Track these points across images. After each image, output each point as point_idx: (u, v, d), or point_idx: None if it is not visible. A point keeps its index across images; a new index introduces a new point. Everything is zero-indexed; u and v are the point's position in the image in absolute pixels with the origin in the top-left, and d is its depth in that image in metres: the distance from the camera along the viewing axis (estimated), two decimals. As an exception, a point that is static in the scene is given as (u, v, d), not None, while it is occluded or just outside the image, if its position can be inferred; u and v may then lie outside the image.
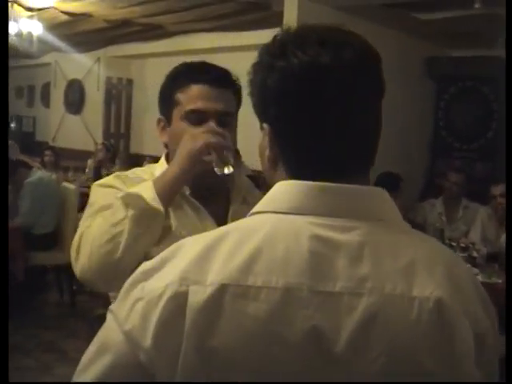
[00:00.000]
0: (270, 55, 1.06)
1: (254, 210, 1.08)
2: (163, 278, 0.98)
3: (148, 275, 1.00)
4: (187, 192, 1.85)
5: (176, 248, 1.03)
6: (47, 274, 6.77)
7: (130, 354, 0.98)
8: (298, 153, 1.06)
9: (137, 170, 1.98)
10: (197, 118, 1.78)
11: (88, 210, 1.85)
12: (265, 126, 1.09)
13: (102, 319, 4.06)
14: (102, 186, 1.88)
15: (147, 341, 0.96)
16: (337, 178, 1.03)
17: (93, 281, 1.78)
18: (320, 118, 1.02)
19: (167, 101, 1.85)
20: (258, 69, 1.09)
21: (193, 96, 1.78)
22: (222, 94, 1.81)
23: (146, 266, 1.03)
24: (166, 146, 1.91)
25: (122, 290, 1.04)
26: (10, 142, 9.75)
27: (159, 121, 1.90)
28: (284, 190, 1.05)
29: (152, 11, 7.11)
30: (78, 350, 4.49)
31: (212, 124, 1.76)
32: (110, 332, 1.03)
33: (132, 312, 0.99)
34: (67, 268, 6.20)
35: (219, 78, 1.82)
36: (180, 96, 1.80)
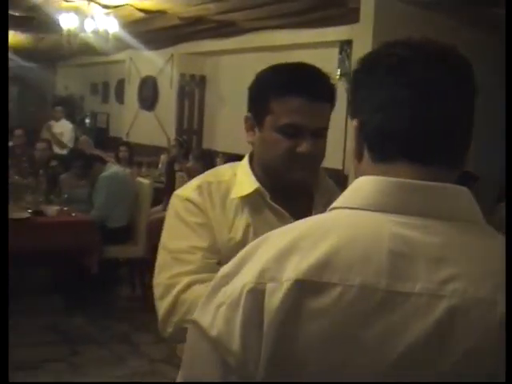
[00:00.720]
0: (386, 67, 1.05)
1: (333, 205, 1.06)
2: (242, 278, 0.98)
3: (228, 278, 1.01)
4: (267, 197, 1.81)
5: (253, 248, 1.03)
6: (120, 268, 6.86)
7: (219, 361, 0.98)
8: (387, 147, 1.05)
9: (218, 172, 1.94)
10: (292, 131, 1.71)
11: (170, 229, 1.87)
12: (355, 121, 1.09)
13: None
14: (183, 199, 1.86)
15: (235, 344, 0.95)
16: (421, 175, 1.01)
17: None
18: (419, 119, 1.02)
19: (260, 105, 1.78)
20: (366, 76, 1.09)
21: (290, 109, 1.70)
22: (320, 108, 1.74)
23: (224, 270, 1.03)
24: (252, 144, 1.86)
25: (203, 300, 1.03)
26: (84, 137, 10.00)
27: (247, 119, 1.84)
28: (364, 185, 1.03)
29: (225, 8, 7.13)
30: (148, 344, 4.61)
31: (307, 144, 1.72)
32: (196, 345, 1.03)
33: (216, 318, 0.98)
34: (139, 262, 6.30)
35: (318, 92, 1.73)
36: (275, 105, 1.72)
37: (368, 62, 1.09)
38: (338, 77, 7.76)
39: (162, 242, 1.85)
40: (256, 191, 1.81)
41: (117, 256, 6.38)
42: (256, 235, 1.66)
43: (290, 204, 1.82)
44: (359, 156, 1.09)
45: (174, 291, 1.73)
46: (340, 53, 7.65)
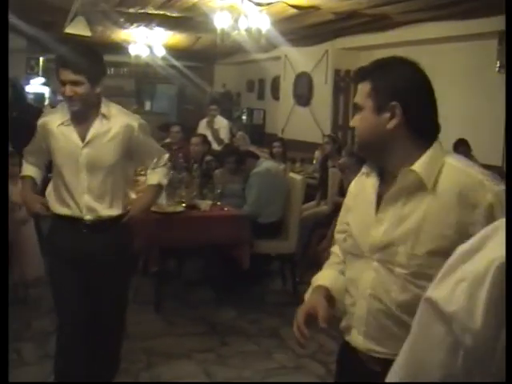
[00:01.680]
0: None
1: None
2: (487, 254, 0.98)
3: (467, 256, 1.01)
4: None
5: (495, 227, 1.03)
6: (271, 263, 6.92)
7: (452, 344, 0.98)
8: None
9: None
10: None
11: None
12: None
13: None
14: None
15: (476, 320, 0.95)
16: None
17: None
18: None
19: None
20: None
21: None
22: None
23: (463, 248, 1.04)
24: None
25: (438, 277, 1.04)
26: (241, 133, 10.17)
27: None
28: None
29: (379, 1, 6.99)
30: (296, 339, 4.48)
31: None
32: (428, 325, 1.04)
33: (455, 294, 0.99)
34: (290, 257, 6.32)
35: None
36: None
37: None
38: (496, 69, 7.40)
39: None
40: None
41: (268, 251, 6.42)
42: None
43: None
44: None
45: None
46: (499, 43, 7.27)
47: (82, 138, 3.38)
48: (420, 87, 1.91)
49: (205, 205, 6.01)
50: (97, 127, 3.38)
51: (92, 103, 3.36)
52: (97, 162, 3.40)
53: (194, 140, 7.98)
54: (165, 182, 3.79)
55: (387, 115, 1.89)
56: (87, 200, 3.41)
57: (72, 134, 3.39)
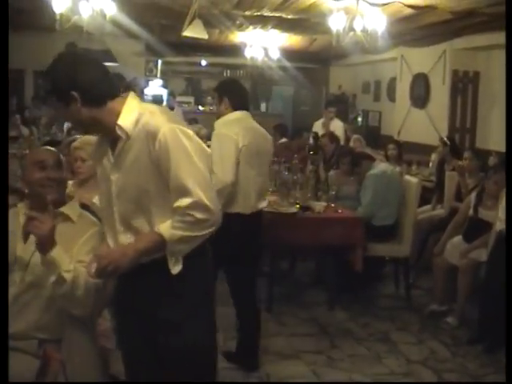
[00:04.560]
0: None
1: None
2: None
3: None
4: None
5: None
6: (385, 266, 6.84)
7: None
8: None
9: None
10: None
11: None
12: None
13: (434, 316, 4.01)
14: None
15: None
16: None
17: None
18: None
19: None
20: None
21: None
22: None
23: None
24: None
25: None
26: (357, 136, 10.11)
27: None
28: None
29: (497, 0, 6.76)
30: (407, 344, 4.52)
31: None
32: None
33: None
34: (405, 261, 6.23)
35: None
36: None
37: None
38: None
39: None
40: None
41: (382, 254, 6.36)
42: None
43: None
44: None
45: None
46: None
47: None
48: None
49: (319, 206, 6.02)
50: (119, 148, 2.53)
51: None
52: (126, 189, 2.54)
53: (323, 140, 8.16)
54: (173, 236, 2.46)
55: None
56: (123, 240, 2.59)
57: (104, 150, 2.61)
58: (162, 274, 2.51)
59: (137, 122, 2.46)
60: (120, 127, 2.45)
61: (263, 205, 4.59)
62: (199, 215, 2.44)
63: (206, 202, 2.44)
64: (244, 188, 4.28)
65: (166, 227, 2.45)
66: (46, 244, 2.66)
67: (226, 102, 4.37)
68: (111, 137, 2.51)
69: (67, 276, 2.69)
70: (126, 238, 2.56)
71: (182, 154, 2.44)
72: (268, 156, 4.64)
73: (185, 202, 2.43)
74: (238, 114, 4.36)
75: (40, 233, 2.63)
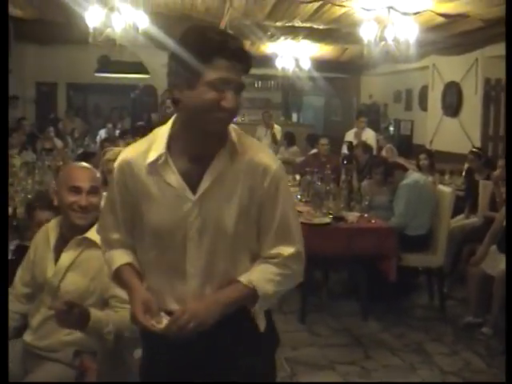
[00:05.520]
0: None
1: None
2: None
3: None
4: None
5: None
6: (418, 276, 6.80)
7: None
8: None
9: None
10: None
11: None
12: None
13: (470, 328, 3.98)
14: None
15: None
16: None
17: None
18: None
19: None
20: None
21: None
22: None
23: None
24: None
25: None
26: (389, 145, 10.08)
27: None
28: None
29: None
30: (441, 355, 4.47)
31: None
32: None
33: None
34: (439, 271, 6.19)
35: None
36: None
37: None
38: None
39: None
40: None
41: (415, 264, 6.33)
42: None
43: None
44: None
45: None
46: None
47: (192, 186, 2.05)
48: None
49: (352, 217, 6.01)
50: (219, 167, 2.05)
51: None
52: (212, 224, 2.07)
53: (356, 151, 8.27)
54: (268, 290, 2.06)
55: None
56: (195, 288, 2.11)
57: (173, 177, 2.05)
58: (244, 332, 2.14)
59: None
60: (233, 143, 2.07)
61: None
62: (297, 267, 2.16)
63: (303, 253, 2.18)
64: None
65: (259, 279, 2.07)
66: (82, 326, 2.60)
67: None
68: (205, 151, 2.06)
69: (109, 337, 2.67)
70: (198, 286, 2.09)
71: (289, 196, 2.23)
72: None
73: (288, 250, 2.12)
74: None
75: (73, 328, 2.62)
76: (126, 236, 2.20)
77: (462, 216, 7.61)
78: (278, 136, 11.86)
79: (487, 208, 6.82)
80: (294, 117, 18.66)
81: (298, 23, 8.79)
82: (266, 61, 12.87)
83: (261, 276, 2.08)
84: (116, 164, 2.16)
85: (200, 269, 2.08)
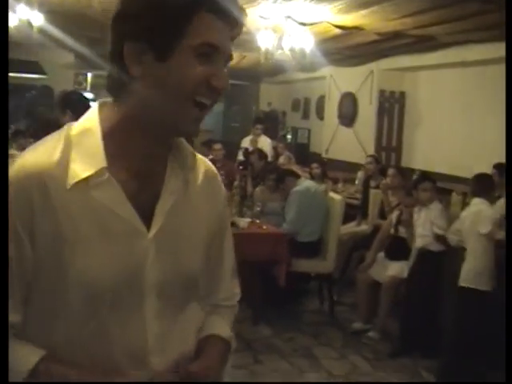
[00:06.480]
0: None
1: None
2: None
3: None
4: None
5: None
6: (309, 282, 6.90)
7: None
8: None
9: None
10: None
11: None
12: None
13: (358, 335, 4.07)
14: None
15: None
16: None
17: None
18: None
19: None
20: None
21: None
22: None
23: None
24: None
25: None
26: (287, 153, 10.20)
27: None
28: None
29: (424, 22, 6.93)
30: (330, 359, 4.57)
31: None
32: None
33: None
34: (328, 277, 6.31)
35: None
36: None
37: None
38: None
39: None
40: None
41: (307, 270, 6.43)
42: None
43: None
44: None
45: None
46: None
47: (143, 216, 1.37)
48: None
49: (243, 223, 6.03)
50: (177, 185, 1.44)
51: None
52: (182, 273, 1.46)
53: (253, 158, 8.32)
54: (231, 337, 1.60)
55: None
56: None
57: (119, 203, 1.35)
58: None
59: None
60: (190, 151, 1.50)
61: None
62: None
63: None
64: None
65: (224, 329, 1.58)
66: None
67: (70, 114, 4.24)
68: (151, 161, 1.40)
69: None
70: (159, 328, 1.39)
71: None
72: None
73: (238, 288, 1.71)
74: None
75: None
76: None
77: (353, 223, 7.79)
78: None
79: (377, 216, 7.00)
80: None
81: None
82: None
83: (221, 325, 1.59)
84: (12, 178, 1.27)
85: (163, 343, 1.40)
